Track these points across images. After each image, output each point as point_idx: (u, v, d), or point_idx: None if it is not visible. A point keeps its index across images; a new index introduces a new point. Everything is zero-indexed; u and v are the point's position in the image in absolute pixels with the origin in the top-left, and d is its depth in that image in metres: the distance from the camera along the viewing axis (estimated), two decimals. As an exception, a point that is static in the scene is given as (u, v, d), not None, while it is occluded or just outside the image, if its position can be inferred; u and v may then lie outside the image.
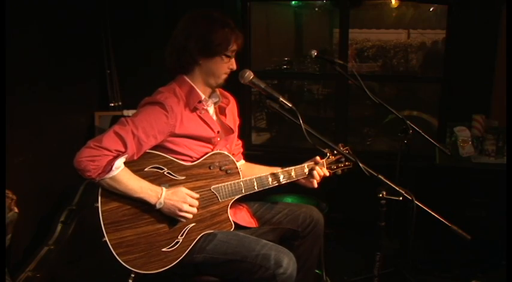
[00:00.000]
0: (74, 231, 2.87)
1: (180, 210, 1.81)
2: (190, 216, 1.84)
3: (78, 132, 3.26)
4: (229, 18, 1.93)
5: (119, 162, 1.72)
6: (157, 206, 1.79)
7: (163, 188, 1.80)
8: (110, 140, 1.71)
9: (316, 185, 2.11)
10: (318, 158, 2.15)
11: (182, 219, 1.85)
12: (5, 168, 2.21)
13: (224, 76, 1.94)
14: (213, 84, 1.96)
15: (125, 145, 1.72)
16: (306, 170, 2.11)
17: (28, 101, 2.78)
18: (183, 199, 1.82)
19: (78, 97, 3.25)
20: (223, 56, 1.90)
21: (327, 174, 2.13)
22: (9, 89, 2.43)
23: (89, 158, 1.67)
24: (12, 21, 2.55)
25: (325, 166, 2.16)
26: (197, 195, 1.87)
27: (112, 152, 1.70)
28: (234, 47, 1.91)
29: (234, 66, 1.95)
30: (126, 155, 1.74)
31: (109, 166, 1.69)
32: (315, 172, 2.09)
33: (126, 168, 1.75)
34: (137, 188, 1.76)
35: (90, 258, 2.74)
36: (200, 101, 1.94)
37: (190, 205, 1.83)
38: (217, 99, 2.03)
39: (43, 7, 2.87)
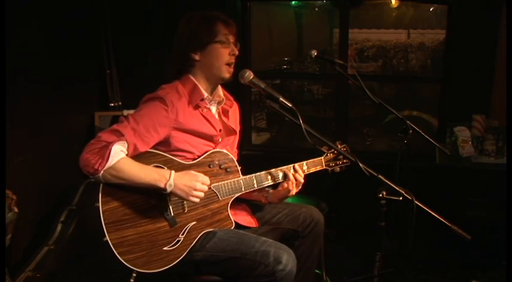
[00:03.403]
0: (74, 231, 2.87)
1: (195, 189, 1.78)
2: (202, 195, 1.81)
3: (78, 132, 3.27)
4: (212, 11, 1.94)
5: (116, 148, 1.71)
6: (168, 189, 1.76)
7: (172, 171, 1.79)
8: (108, 134, 1.73)
9: (291, 192, 2.03)
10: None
11: (194, 199, 1.80)
12: (5, 168, 2.21)
13: (225, 68, 1.93)
14: (216, 77, 1.95)
15: (122, 136, 1.73)
16: (305, 168, 2.11)
17: (28, 101, 2.79)
18: (194, 178, 1.80)
19: (78, 97, 3.25)
20: (216, 44, 1.90)
21: (301, 180, 2.06)
22: (9, 89, 2.44)
23: (89, 152, 1.69)
24: (12, 21, 2.55)
25: (324, 164, 2.17)
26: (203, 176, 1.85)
27: (110, 143, 1.71)
28: (224, 31, 1.91)
29: (236, 52, 1.94)
30: (124, 142, 1.73)
31: (107, 151, 1.68)
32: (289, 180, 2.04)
33: (128, 157, 1.75)
34: (142, 173, 1.74)
35: (90, 258, 2.75)
36: (203, 99, 1.94)
37: (202, 183, 1.81)
38: (221, 100, 2.04)
39: (43, 7, 2.87)
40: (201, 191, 1.80)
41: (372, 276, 2.15)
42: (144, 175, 1.75)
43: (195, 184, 1.78)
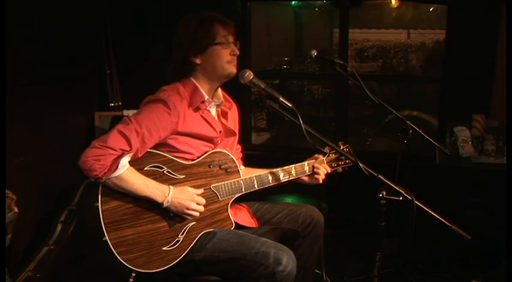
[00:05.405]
0: (74, 231, 2.87)
1: (188, 209, 1.82)
2: (197, 214, 1.86)
3: (78, 132, 3.26)
4: (209, 12, 1.93)
5: (125, 161, 1.73)
6: (165, 204, 1.79)
7: (171, 187, 1.81)
8: (114, 139, 1.72)
9: (321, 181, 2.13)
10: (317, 155, 2.17)
11: (188, 217, 1.85)
12: (5, 168, 2.21)
13: (229, 65, 1.92)
14: (220, 76, 1.94)
15: (130, 143, 1.73)
16: (307, 168, 2.12)
17: (28, 100, 2.79)
18: (190, 197, 1.83)
19: (78, 97, 3.25)
20: (216, 46, 1.89)
21: (329, 170, 2.15)
22: (9, 89, 2.43)
23: (94, 158, 1.68)
24: (12, 21, 2.55)
25: (326, 164, 2.17)
26: (201, 191, 1.89)
27: (117, 150, 1.71)
28: (223, 33, 1.90)
29: (237, 52, 1.94)
30: (131, 153, 1.74)
31: (115, 164, 1.69)
32: (319, 170, 2.12)
33: (131, 167, 1.76)
34: (143, 186, 1.76)
35: (90, 258, 2.75)
36: (203, 101, 1.94)
37: (197, 203, 1.85)
38: (220, 102, 2.03)
39: (43, 7, 2.87)
40: (194, 210, 1.84)
41: (371, 276, 2.15)
42: (146, 188, 1.77)
43: (188, 203, 1.83)
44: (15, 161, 2.68)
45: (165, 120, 1.82)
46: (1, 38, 2.43)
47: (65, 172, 2.97)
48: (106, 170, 1.69)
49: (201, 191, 1.89)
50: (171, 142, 1.87)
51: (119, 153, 1.71)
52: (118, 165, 1.70)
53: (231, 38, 1.93)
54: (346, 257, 3.15)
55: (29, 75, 2.81)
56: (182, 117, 1.86)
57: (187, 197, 1.83)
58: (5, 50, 2.45)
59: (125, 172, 1.73)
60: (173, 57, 1.95)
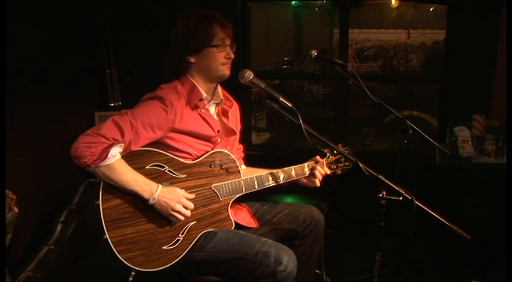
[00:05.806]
0: (74, 231, 2.87)
1: (173, 210, 1.79)
2: (181, 218, 1.82)
3: (78, 132, 3.25)
4: (210, 12, 1.93)
5: (115, 151, 1.72)
6: (150, 201, 1.77)
7: (160, 185, 1.80)
8: (108, 128, 1.72)
9: (318, 184, 2.11)
10: (318, 157, 2.16)
11: (172, 219, 1.82)
12: (5, 168, 2.21)
13: (223, 67, 1.92)
14: (214, 77, 1.95)
15: (122, 134, 1.73)
16: (306, 170, 2.12)
17: (28, 101, 2.79)
18: (177, 199, 1.80)
19: (78, 97, 3.25)
20: (213, 48, 1.89)
21: (328, 172, 2.15)
22: (9, 89, 2.43)
23: (85, 145, 1.68)
24: (12, 21, 2.55)
25: (325, 166, 2.17)
26: (192, 196, 1.87)
27: (109, 139, 1.71)
28: (221, 35, 1.90)
29: (232, 55, 1.94)
30: (122, 144, 1.74)
31: (105, 153, 1.69)
32: (316, 171, 2.10)
33: (123, 160, 1.76)
34: (132, 180, 1.75)
35: (90, 258, 2.75)
36: (201, 99, 1.94)
37: (184, 206, 1.82)
38: (220, 101, 2.03)
39: (43, 7, 2.87)
40: (179, 213, 1.80)
41: (371, 276, 2.15)
42: (134, 183, 1.75)
43: (174, 205, 1.79)
44: (15, 161, 2.69)
45: (161, 117, 1.82)
46: (1, 37, 2.43)
47: (65, 172, 2.97)
48: (95, 158, 1.68)
49: (192, 196, 1.87)
50: (169, 142, 1.87)
51: (110, 142, 1.71)
52: (108, 154, 1.69)
53: (228, 41, 1.93)
54: (346, 257, 3.15)
55: (29, 75, 2.81)
56: (179, 115, 1.86)
57: (175, 198, 1.80)
58: (5, 50, 2.45)
59: (115, 162, 1.72)
60: (169, 54, 1.95)
